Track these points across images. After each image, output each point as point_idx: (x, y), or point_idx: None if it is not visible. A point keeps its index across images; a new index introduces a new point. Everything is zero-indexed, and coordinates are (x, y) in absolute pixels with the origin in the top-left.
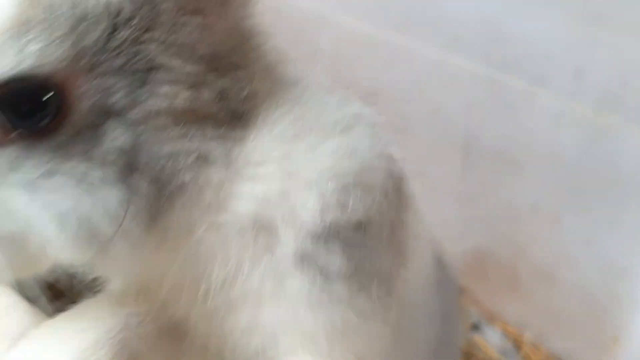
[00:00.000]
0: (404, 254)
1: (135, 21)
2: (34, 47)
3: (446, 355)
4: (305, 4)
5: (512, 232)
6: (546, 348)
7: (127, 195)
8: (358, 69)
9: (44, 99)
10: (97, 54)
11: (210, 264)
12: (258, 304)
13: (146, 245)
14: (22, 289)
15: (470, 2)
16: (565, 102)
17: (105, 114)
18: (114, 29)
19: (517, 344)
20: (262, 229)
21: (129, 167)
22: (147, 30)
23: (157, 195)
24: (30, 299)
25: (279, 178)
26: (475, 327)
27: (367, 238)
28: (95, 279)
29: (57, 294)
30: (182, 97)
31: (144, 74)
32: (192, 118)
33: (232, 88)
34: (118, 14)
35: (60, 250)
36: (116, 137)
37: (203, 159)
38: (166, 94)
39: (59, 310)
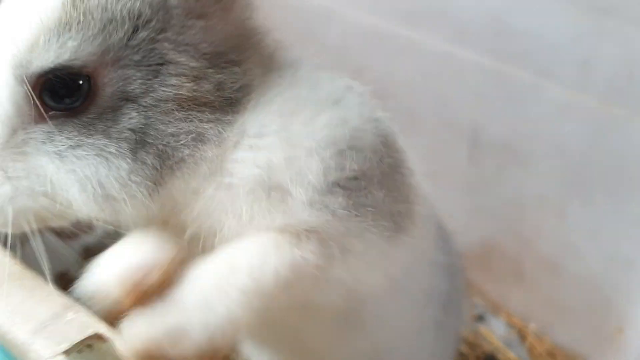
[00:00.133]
0: (400, 193)
1: (152, 24)
2: (71, 44)
3: (447, 338)
4: None
5: (518, 223)
6: (550, 338)
7: (136, 164)
8: (365, 61)
9: (78, 85)
10: (120, 50)
11: (223, 216)
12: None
13: (150, 207)
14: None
15: None
16: (571, 94)
17: (124, 99)
18: (135, 30)
19: (522, 335)
20: (273, 188)
21: (138, 143)
22: (161, 32)
23: (160, 167)
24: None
25: (281, 148)
26: (480, 318)
27: (362, 184)
28: None
29: (68, 283)
30: (186, 88)
31: (156, 67)
32: (192, 105)
33: (228, 81)
34: (139, 17)
35: (81, 207)
36: (130, 119)
37: (199, 138)
38: (173, 85)
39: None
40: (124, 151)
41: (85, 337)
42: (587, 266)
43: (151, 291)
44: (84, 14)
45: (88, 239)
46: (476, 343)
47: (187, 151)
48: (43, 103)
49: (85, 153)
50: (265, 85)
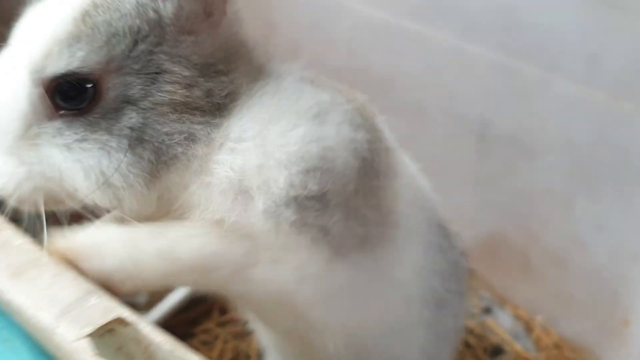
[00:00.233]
0: (363, 216)
1: (149, 38)
2: (80, 54)
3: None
4: None
5: (525, 217)
6: (557, 331)
7: (134, 159)
8: (375, 56)
9: (85, 89)
10: (122, 60)
11: (197, 212)
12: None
13: (149, 196)
14: None
15: None
16: (579, 88)
17: (125, 102)
18: (135, 43)
19: (529, 327)
20: (241, 192)
21: (137, 140)
22: (157, 45)
23: (155, 162)
24: None
25: (255, 154)
26: (488, 310)
27: (318, 205)
28: None
29: None
30: (179, 94)
31: (154, 75)
32: (185, 108)
33: (216, 88)
34: (138, 32)
35: (85, 194)
36: (130, 118)
37: (191, 138)
38: (168, 91)
39: None
40: (123, 146)
41: (107, 321)
42: (594, 259)
43: None
44: (92, 28)
45: None
46: (483, 335)
47: (180, 149)
48: (54, 103)
49: (89, 146)
50: (251, 93)
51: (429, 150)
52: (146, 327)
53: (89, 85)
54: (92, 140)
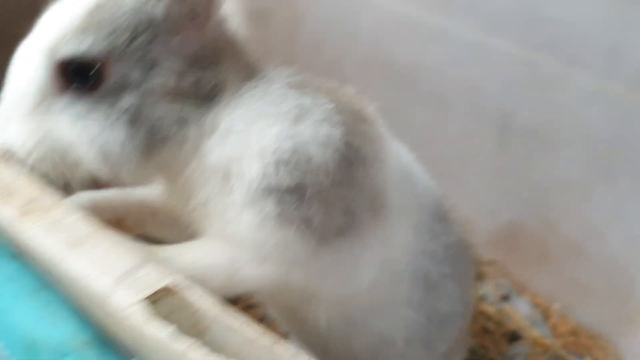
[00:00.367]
0: (344, 205)
1: (145, 35)
2: (87, 42)
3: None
4: None
5: (544, 207)
6: (573, 318)
7: (130, 135)
8: (398, 48)
9: (90, 71)
10: (122, 51)
11: (195, 192)
12: (221, 219)
13: (145, 169)
14: None
15: None
16: (599, 81)
17: (123, 87)
18: (134, 37)
19: (546, 315)
20: (225, 177)
21: (134, 118)
22: (151, 41)
23: (149, 140)
24: None
25: (239, 146)
26: (506, 298)
27: (294, 197)
28: None
29: None
30: (171, 82)
31: (149, 65)
32: (176, 95)
33: (204, 79)
34: (135, 29)
35: (89, 162)
36: (129, 100)
37: (182, 122)
38: (161, 80)
39: None
40: (122, 123)
41: (157, 289)
42: (611, 248)
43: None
44: (98, 22)
45: None
46: (502, 321)
47: (171, 130)
48: (65, 81)
49: (92, 120)
50: (241, 90)
51: (451, 142)
52: (194, 294)
53: (94, 70)
54: (95, 115)
